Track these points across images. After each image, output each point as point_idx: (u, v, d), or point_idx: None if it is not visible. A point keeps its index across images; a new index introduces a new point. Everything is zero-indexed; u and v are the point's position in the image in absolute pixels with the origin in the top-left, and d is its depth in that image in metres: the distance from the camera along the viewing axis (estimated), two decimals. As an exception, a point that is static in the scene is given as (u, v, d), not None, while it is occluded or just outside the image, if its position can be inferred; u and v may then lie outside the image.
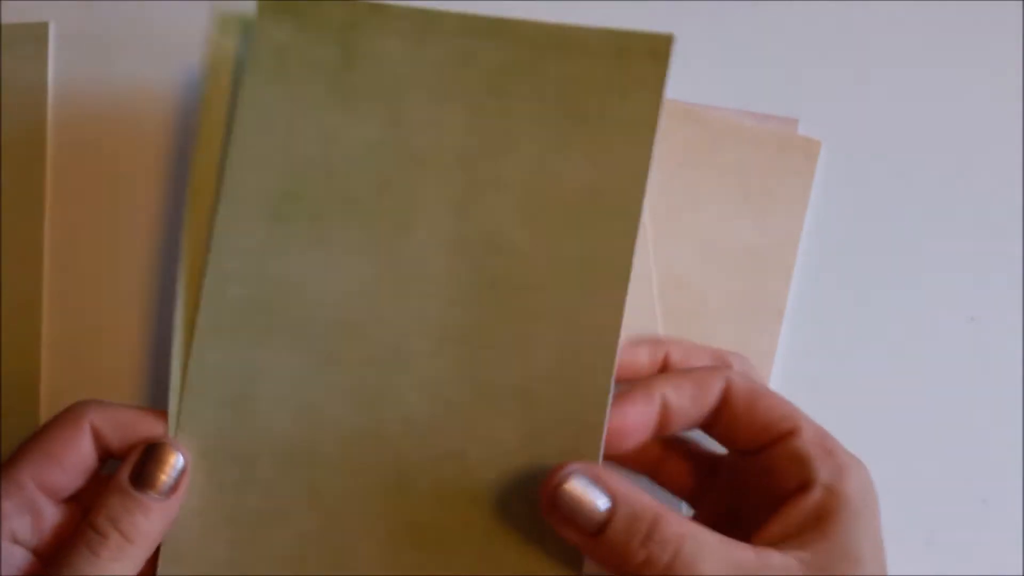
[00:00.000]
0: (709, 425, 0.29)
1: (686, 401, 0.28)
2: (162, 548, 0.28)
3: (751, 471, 0.29)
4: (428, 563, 0.28)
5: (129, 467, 0.27)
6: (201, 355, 0.29)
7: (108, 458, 0.29)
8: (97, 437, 0.28)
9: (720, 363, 0.30)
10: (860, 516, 0.26)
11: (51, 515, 0.27)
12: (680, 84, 0.38)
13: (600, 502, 0.25)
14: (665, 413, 0.28)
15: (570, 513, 0.25)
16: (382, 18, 0.29)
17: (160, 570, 0.28)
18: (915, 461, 0.37)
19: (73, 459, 0.27)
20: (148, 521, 0.27)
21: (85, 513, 0.27)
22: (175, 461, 0.27)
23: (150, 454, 0.27)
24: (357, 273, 0.28)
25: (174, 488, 0.27)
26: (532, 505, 0.27)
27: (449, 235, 0.28)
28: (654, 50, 0.29)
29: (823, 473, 0.26)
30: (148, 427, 0.28)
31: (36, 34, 0.36)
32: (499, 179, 0.29)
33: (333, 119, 0.29)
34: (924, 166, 0.38)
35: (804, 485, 0.26)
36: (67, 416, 0.28)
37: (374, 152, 0.29)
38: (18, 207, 0.35)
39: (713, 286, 0.36)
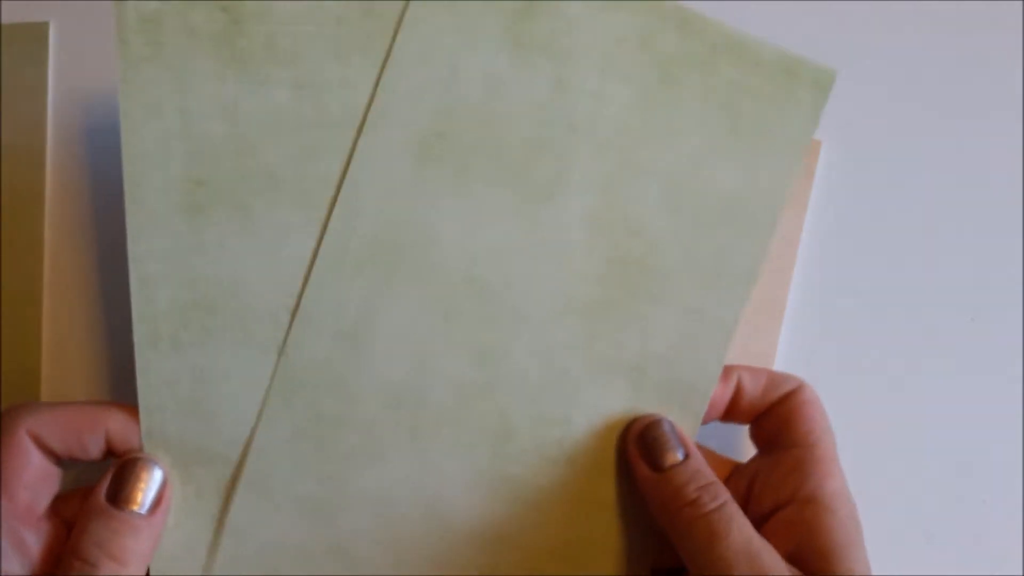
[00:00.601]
0: (762, 417, 0.30)
1: (758, 390, 0.30)
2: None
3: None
4: (518, 517, 0.29)
5: (105, 488, 0.26)
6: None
7: (68, 459, 0.27)
8: (40, 445, 0.26)
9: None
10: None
11: (34, 538, 0.26)
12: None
13: (678, 451, 0.28)
14: (738, 395, 0.30)
15: (650, 448, 0.28)
16: None
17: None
18: (915, 461, 0.37)
19: (30, 477, 0.26)
20: (137, 542, 0.25)
21: (69, 522, 0.26)
22: (152, 476, 0.26)
23: (128, 471, 0.26)
24: (494, 231, 0.28)
25: (157, 503, 0.26)
26: (625, 477, 0.29)
27: (592, 209, 0.29)
28: (817, 80, 0.29)
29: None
30: (90, 423, 0.26)
31: (36, 34, 0.36)
32: (652, 165, 0.29)
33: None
34: (924, 166, 0.38)
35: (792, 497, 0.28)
36: (3, 437, 0.26)
37: (531, 111, 0.28)
38: (18, 207, 0.35)
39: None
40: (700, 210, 0.29)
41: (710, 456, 0.31)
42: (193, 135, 0.27)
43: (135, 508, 0.26)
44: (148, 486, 0.26)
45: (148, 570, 0.27)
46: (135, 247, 0.27)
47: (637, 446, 0.28)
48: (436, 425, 0.29)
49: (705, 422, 0.30)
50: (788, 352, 0.36)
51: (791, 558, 0.27)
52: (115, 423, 0.27)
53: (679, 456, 0.28)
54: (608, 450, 0.29)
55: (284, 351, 0.28)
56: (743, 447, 0.33)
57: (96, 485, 0.26)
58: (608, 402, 0.29)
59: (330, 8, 0.27)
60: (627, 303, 0.29)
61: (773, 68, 0.29)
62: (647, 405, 0.29)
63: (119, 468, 0.26)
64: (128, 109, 0.26)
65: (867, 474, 0.36)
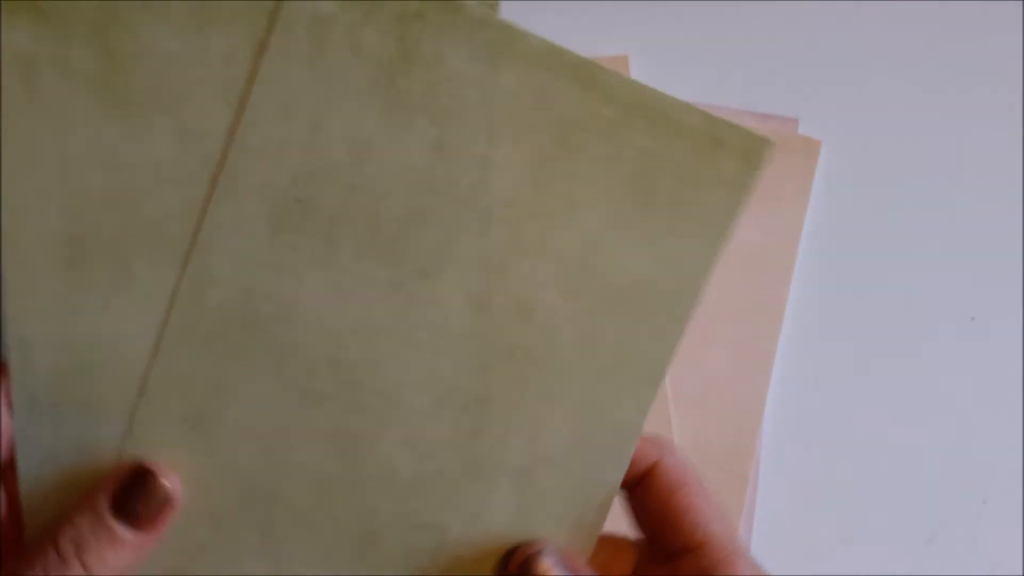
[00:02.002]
0: (630, 494, 0.28)
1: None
2: None
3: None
4: None
5: (110, 490, 0.24)
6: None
7: None
8: None
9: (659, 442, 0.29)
10: None
11: None
12: (681, 84, 0.38)
13: None
14: None
15: None
16: (449, 20, 0.25)
17: None
18: (915, 461, 0.37)
19: None
20: (116, 556, 0.23)
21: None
22: (165, 493, 0.24)
23: (139, 481, 0.24)
24: (363, 309, 0.25)
25: (155, 523, 0.24)
26: None
27: (477, 290, 0.26)
28: (748, 151, 0.25)
29: None
30: None
31: None
32: (547, 243, 0.26)
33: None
34: (924, 166, 0.38)
35: None
36: None
37: (407, 177, 0.25)
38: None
39: (713, 286, 0.36)
40: (601, 296, 0.26)
41: (608, 544, 0.28)
42: (72, 186, 0.25)
43: (131, 522, 0.24)
44: (154, 503, 0.24)
45: None
46: (11, 307, 0.25)
47: None
48: (291, 525, 0.26)
49: None
50: (788, 352, 0.36)
51: None
52: None
53: None
54: (485, 569, 0.26)
55: (131, 432, 0.25)
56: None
57: (104, 479, 0.25)
58: (489, 510, 0.26)
59: (218, 46, 0.24)
60: (514, 398, 0.26)
61: (696, 136, 0.25)
62: (534, 516, 0.26)
63: (132, 474, 0.24)
64: (7, 157, 0.24)
65: (867, 474, 0.36)
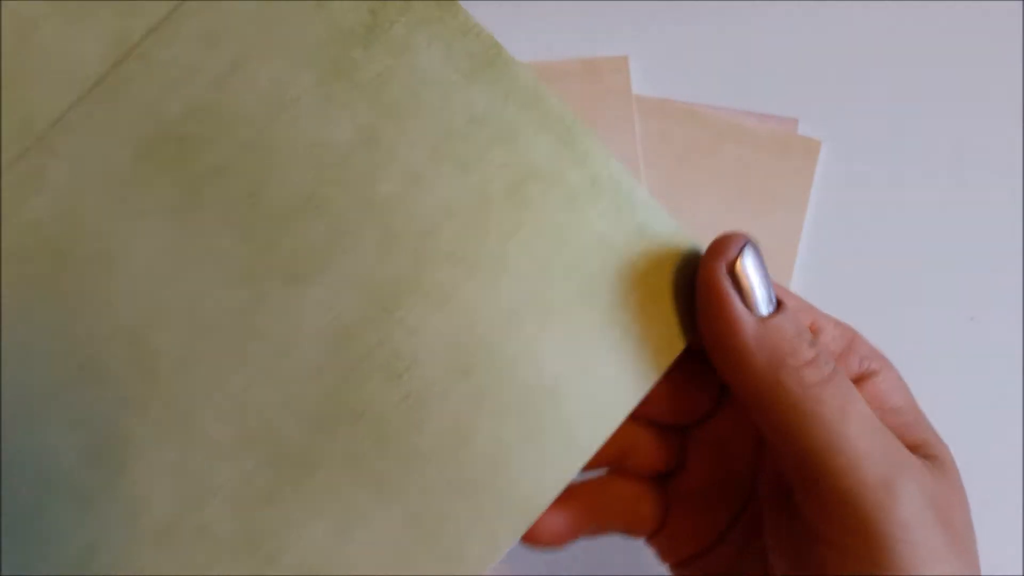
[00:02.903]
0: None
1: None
2: None
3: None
4: None
5: None
6: None
7: None
8: None
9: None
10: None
11: None
12: (681, 83, 0.38)
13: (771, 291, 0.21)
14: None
15: (745, 279, 0.20)
16: (436, 14, 0.21)
17: None
18: (915, 461, 0.37)
19: None
20: None
21: None
22: None
23: None
24: (200, 289, 0.20)
25: None
26: None
27: (348, 320, 0.20)
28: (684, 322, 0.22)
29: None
30: None
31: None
32: (456, 299, 0.21)
33: None
34: (924, 166, 0.38)
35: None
36: None
37: (319, 157, 0.21)
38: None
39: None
40: (496, 388, 0.21)
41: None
42: None
43: None
44: None
45: None
46: None
47: (725, 289, 0.20)
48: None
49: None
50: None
51: None
52: None
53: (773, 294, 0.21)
54: None
55: None
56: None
57: None
58: None
59: None
60: (334, 478, 0.20)
61: (657, 251, 0.22)
62: None
63: None
64: None
65: (867, 474, 0.36)
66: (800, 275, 0.37)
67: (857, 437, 0.19)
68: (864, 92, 0.38)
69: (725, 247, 0.21)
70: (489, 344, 0.21)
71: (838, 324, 0.24)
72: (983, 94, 0.38)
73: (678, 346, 0.21)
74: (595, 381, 0.21)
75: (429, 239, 0.21)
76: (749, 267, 0.20)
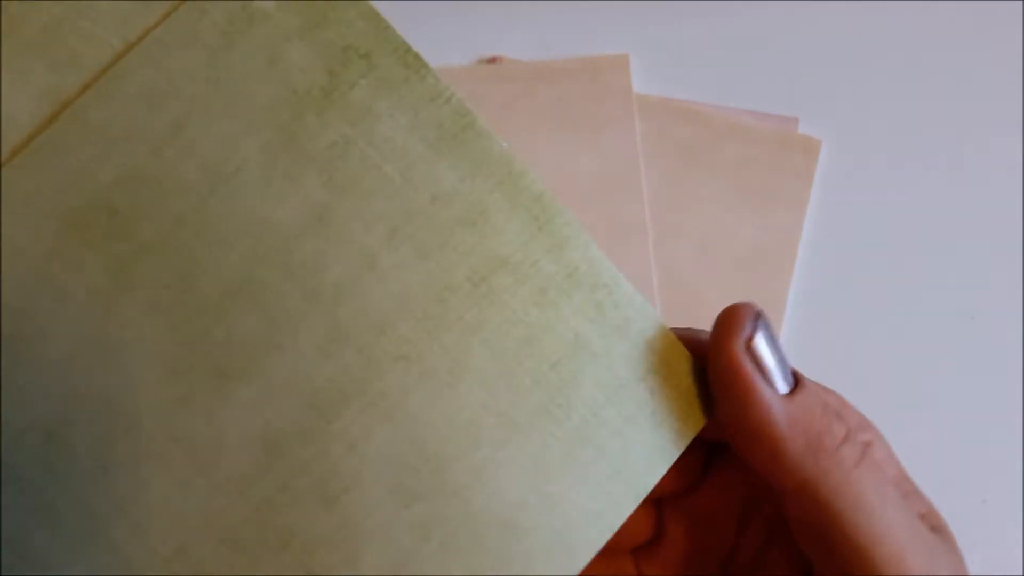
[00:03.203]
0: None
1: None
2: None
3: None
4: None
5: None
6: None
7: None
8: None
9: None
10: None
11: None
12: (682, 83, 0.38)
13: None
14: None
15: (766, 367, 0.19)
16: (401, 76, 0.19)
17: None
18: (915, 461, 0.37)
19: None
20: None
21: None
22: None
23: None
24: (118, 373, 0.18)
25: None
26: None
27: (281, 425, 0.18)
28: (683, 420, 0.20)
29: None
30: None
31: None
32: (405, 408, 0.19)
33: None
34: (924, 165, 0.38)
35: None
36: None
37: (261, 237, 0.19)
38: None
39: (712, 285, 0.36)
40: (446, 521, 0.18)
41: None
42: None
43: None
44: None
45: None
46: None
47: (745, 369, 0.18)
48: None
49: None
50: (789, 350, 0.36)
51: None
52: None
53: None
54: None
55: None
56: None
57: None
58: None
59: None
60: None
61: (640, 359, 0.19)
62: None
63: None
64: None
65: (867, 474, 0.36)
66: (800, 274, 0.37)
67: (897, 524, 0.18)
68: (864, 92, 0.38)
69: (739, 323, 0.19)
70: (441, 465, 0.18)
71: (826, 390, 0.22)
72: (983, 94, 0.38)
73: (660, 468, 0.19)
74: (560, 511, 0.18)
75: (379, 336, 0.18)
76: (765, 343, 0.19)
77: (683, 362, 0.19)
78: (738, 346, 0.18)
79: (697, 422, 0.19)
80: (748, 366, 0.18)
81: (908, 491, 0.22)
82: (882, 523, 0.18)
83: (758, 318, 0.19)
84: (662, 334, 0.19)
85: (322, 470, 0.18)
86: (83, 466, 0.18)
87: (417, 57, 0.19)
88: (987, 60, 0.38)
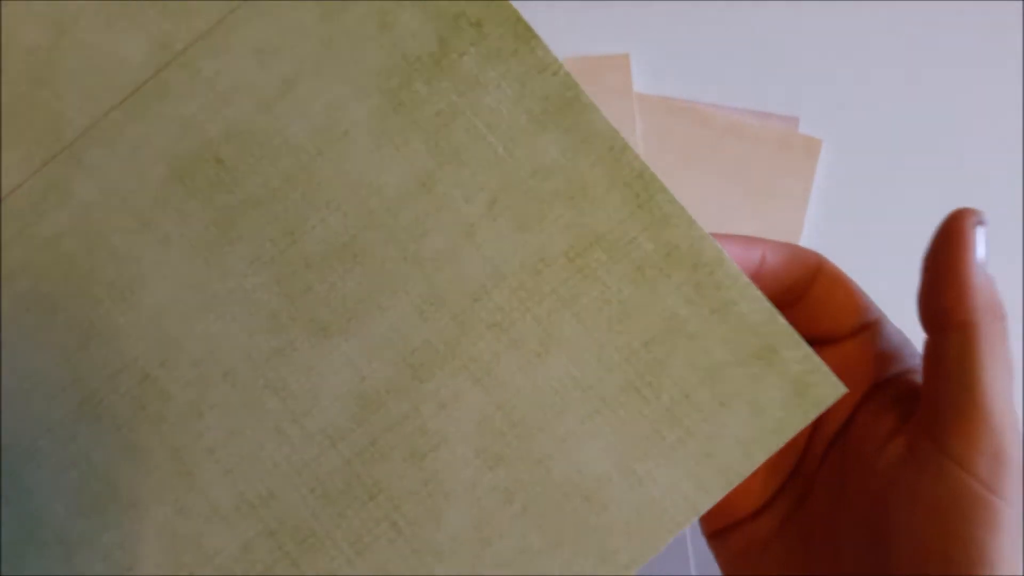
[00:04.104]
0: (793, 302, 0.25)
1: (781, 264, 0.24)
2: None
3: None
4: None
5: None
6: None
7: None
8: None
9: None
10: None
11: None
12: (682, 83, 0.38)
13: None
14: (759, 270, 0.24)
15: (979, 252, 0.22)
16: (511, 48, 0.19)
17: None
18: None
19: None
20: None
21: None
22: None
23: None
24: (219, 332, 0.19)
25: None
26: None
27: (375, 383, 0.19)
28: (803, 380, 0.19)
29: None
30: None
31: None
32: (497, 376, 0.19)
33: None
34: (924, 165, 0.38)
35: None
36: None
37: (366, 200, 0.19)
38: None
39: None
40: (528, 486, 0.18)
41: None
42: None
43: None
44: None
45: None
46: None
47: (974, 227, 0.22)
48: None
49: None
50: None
51: None
52: None
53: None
54: None
55: None
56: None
57: None
58: None
59: None
60: (333, 563, 0.18)
61: (745, 333, 0.19)
62: None
63: None
64: None
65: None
66: (801, 274, 0.37)
67: (1005, 391, 0.22)
68: (864, 92, 0.38)
69: (975, 213, 0.22)
70: (526, 432, 0.18)
71: None
72: (983, 94, 0.38)
73: (757, 456, 0.18)
74: (643, 490, 0.18)
75: (474, 303, 0.18)
76: (983, 238, 0.22)
77: (794, 348, 0.18)
78: (971, 218, 0.22)
79: (806, 413, 0.18)
80: (971, 234, 0.22)
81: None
82: (998, 383, 0.21)
83: (982, 223, 0.22)
84: (769, 317, 0.18)
85: (412, 427, 0.18)
86: (178, 409, 0.18)
87: (527, 28, 0.19)
88: (987, 60, 0.38)
